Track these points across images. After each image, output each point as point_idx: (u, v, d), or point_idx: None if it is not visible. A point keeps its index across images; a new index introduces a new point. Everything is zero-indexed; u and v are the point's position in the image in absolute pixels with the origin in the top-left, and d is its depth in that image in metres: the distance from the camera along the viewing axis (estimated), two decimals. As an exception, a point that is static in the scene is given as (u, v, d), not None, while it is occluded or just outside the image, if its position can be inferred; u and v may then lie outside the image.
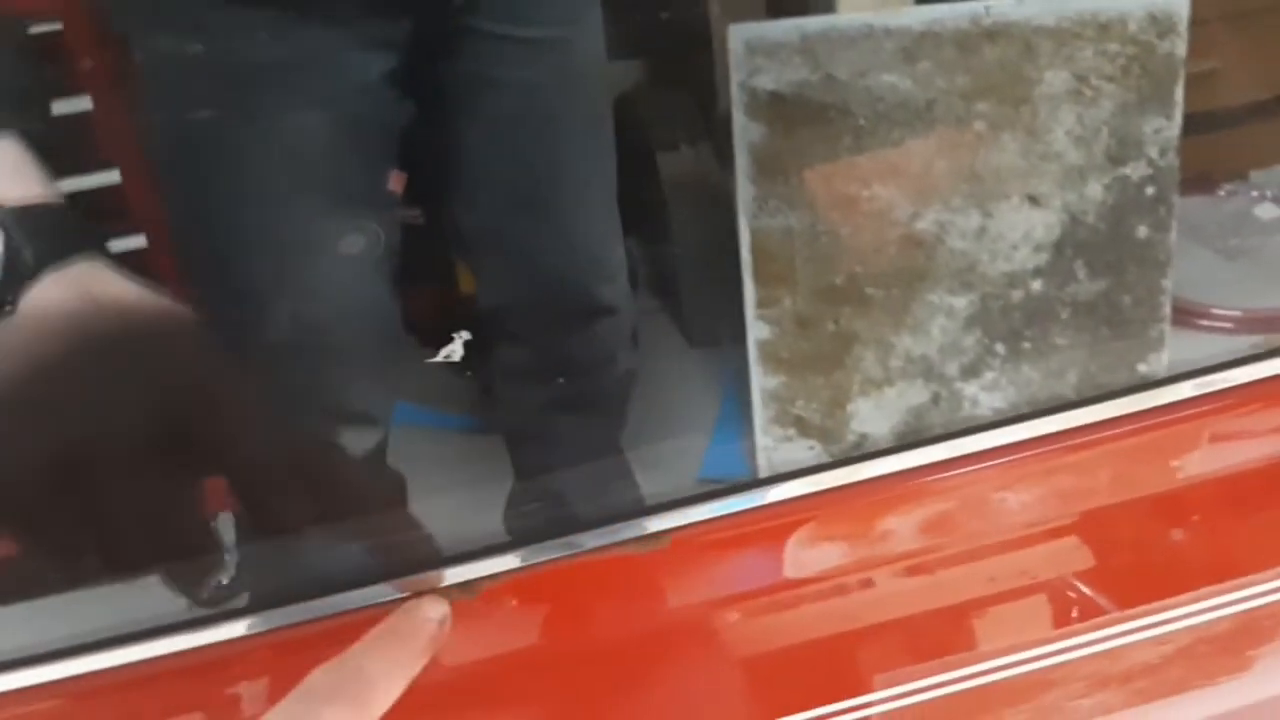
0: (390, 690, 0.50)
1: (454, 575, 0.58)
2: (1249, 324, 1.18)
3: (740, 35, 0.94)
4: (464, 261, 0.98)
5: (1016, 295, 0.98)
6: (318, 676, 0.49)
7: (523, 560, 0.61)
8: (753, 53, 0.94)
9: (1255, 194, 1.27)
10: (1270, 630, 0.66)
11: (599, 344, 0.95)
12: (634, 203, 1.29)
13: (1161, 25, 0.84)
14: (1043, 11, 0.86)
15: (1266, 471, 0.67)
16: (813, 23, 0.92)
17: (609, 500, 1.02)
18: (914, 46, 0.90)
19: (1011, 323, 1.00)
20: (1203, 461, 0.72)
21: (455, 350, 0.78)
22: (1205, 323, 1.17)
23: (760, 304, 1.03)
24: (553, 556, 0.61)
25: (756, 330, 1.04)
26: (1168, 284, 0.96)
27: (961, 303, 1.00)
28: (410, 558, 0.58)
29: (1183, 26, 0.83)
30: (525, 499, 1.05)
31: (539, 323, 0.92)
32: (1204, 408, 0.68)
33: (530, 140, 0.83)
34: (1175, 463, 0.70)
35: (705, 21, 1.31)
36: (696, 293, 1.28)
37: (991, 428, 0.69)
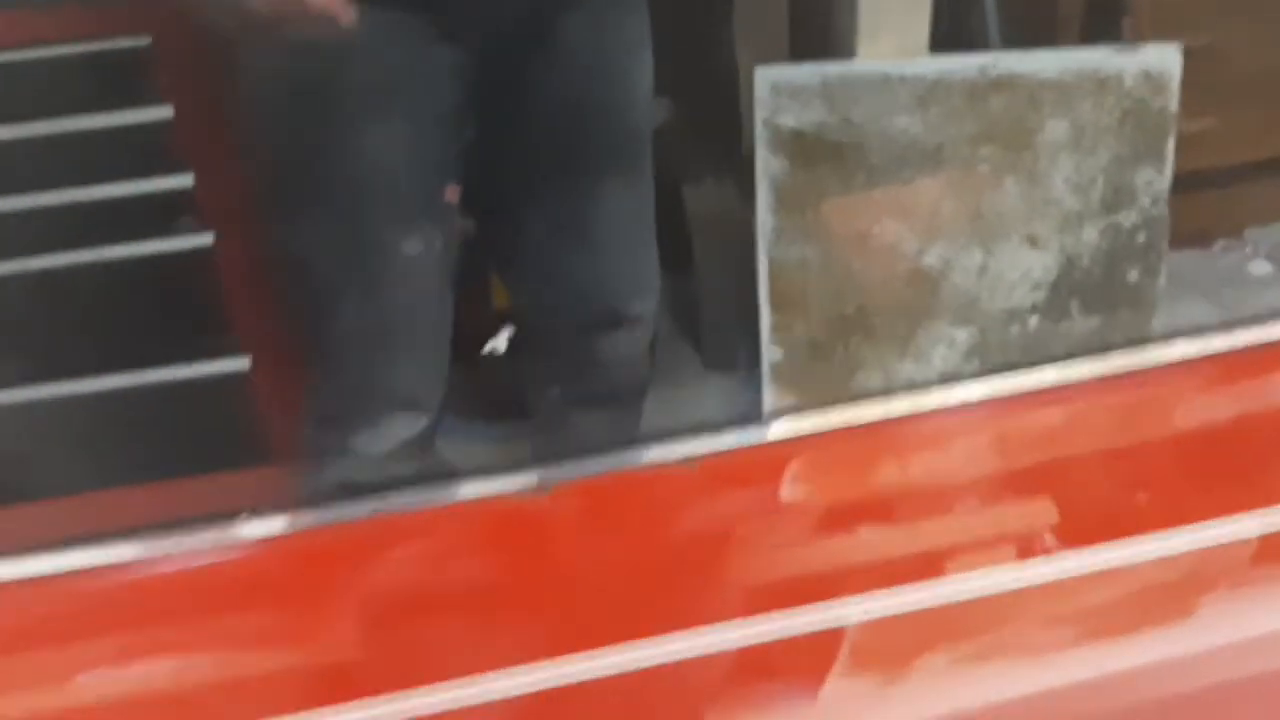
0: None
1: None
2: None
3: (766, 77, 1.02)
4: (502, 270, 1.03)
5: (1014, 330, 1.05)
6: None
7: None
8: (777, 93, 1.01)
9: (1249, 251, 1.34)
10: (1213, 579, 0.71)
11: (626, 350, 0.99)
12: (661, 233, 1.36)
13: (1155, 83, 0.91)
14: (1046, 65, 0.93)
15: (1215, 432, 0.72)
16: (833, 68, 1.00)
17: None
18: (926, 94, 0.97)
19: (1009, 356, 1.06)
20: (1161, 422, 0.77)
21: (501, 343, 0.84)
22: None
23: (775, 329, 1.10)
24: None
25: (770, 353, 1.11)
26: (1155, 325, 1.02)
27: (962, 335, 1.06)
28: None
29: (1174, 85, 0.90)
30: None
31: (572, 332, 0.96)
32: (1173, 374, 0.73)
33: (576, 154, 0.88)
34: (1135, 421, 0.75)
35: (733, 63, 1.38)
36: (714, 318, 1.34)
37: (969, 379, 0.74)
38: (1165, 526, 0.69)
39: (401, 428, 0.83)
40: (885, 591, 0.69)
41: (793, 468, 0.73)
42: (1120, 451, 0.74)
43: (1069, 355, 0.98)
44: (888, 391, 0.83)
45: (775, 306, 1.10)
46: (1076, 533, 0.70)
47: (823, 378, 1.11)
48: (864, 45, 1.01)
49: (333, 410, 0.85)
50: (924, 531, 0.72)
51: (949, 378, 1.08)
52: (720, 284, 1.35)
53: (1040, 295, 1.03)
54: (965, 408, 0.75)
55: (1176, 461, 0.72)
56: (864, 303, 1.07)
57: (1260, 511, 0.69)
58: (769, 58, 1.23)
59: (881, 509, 0.73)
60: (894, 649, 0.71)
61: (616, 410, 1.01)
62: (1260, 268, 1.32)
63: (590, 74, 0.84)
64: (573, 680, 0.70)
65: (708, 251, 1.33)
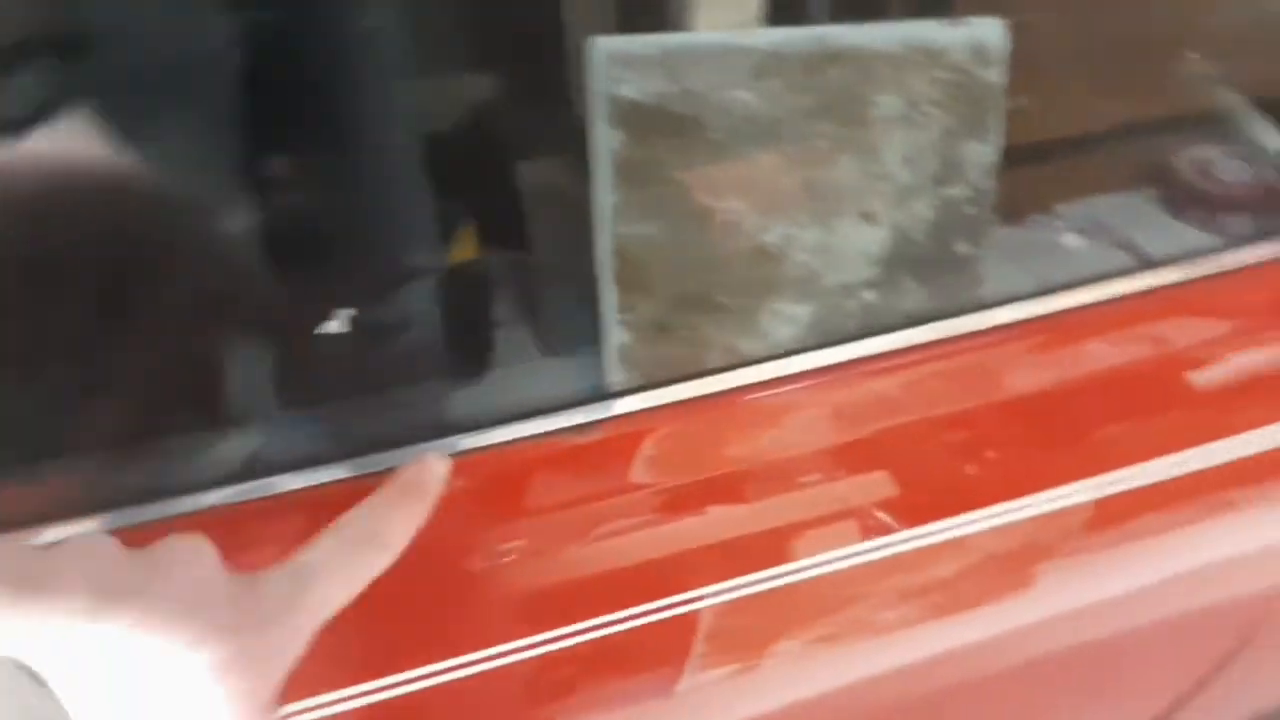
0: (408, 536, 0.61)
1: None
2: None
3: (603, 47, 0.99)
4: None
5: (851, 305, 1.06)
6: (350, 519, 0.59)
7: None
8: (615, 64, 0.99)
9: (1060, 224, 1.40)
10: (1050, 548, 0.73)
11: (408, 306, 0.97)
12: (493, 214, 1.32)
13: (982, 56, 0.93)
14: (879, 37, 0.94)
15: (1055, 394, 0.75)
16: (673, 38, 0.98)
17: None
18: (764, 65, 0.97)
19: (848, 330, 1.07)
20: (995, 388, 0.79)
21: (338, 324, 0.79)
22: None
23: (620, 309, 1.07)
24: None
25: (615, 335, 1.08)
26: (983, 296, 1.05)
27: (803, 311, 1.07)
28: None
29: (1000, 58, 0.93)
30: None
31: (349, 290, 0.93)
32: (999, 337, 0.75)
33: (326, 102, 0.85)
34: (975, 385, 0.77)
35: (559, 34, 1.35)
36: (552, 301, 1.31)
37: (800, 352, 0.75)
38: (1001, 497, 0.71)
39: None
40: (735, 577, 0.68)
41: (638, 448, 0.71)
42: (953, 421, 0.76)
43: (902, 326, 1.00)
44: (726, 367, 0.83)
45: (619, 286, 1.08)
46: (916, 507, 0.71)
47: (668, 359, 1.10)
48: (702, 14, 1.00)
49: None
50: (769, 510, 0.72)
51: (789, 351, 1.09)
52: (557, 265, 1.32)
53: (876, 270, 1.04)
54: (805, 376, 0.76)
55: (1009, 430, 0.74)
56: (708, 280, 1.06)
57: (1093, 479, 0.72)
58: (596, 28, 1.21)
59: (726, 489, 0.72)
60: (748, 636, 0.70)
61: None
62: (1071, 241, 1.38)
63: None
64: (415, 687, 0.66)
65: (542, 232, 1.29)
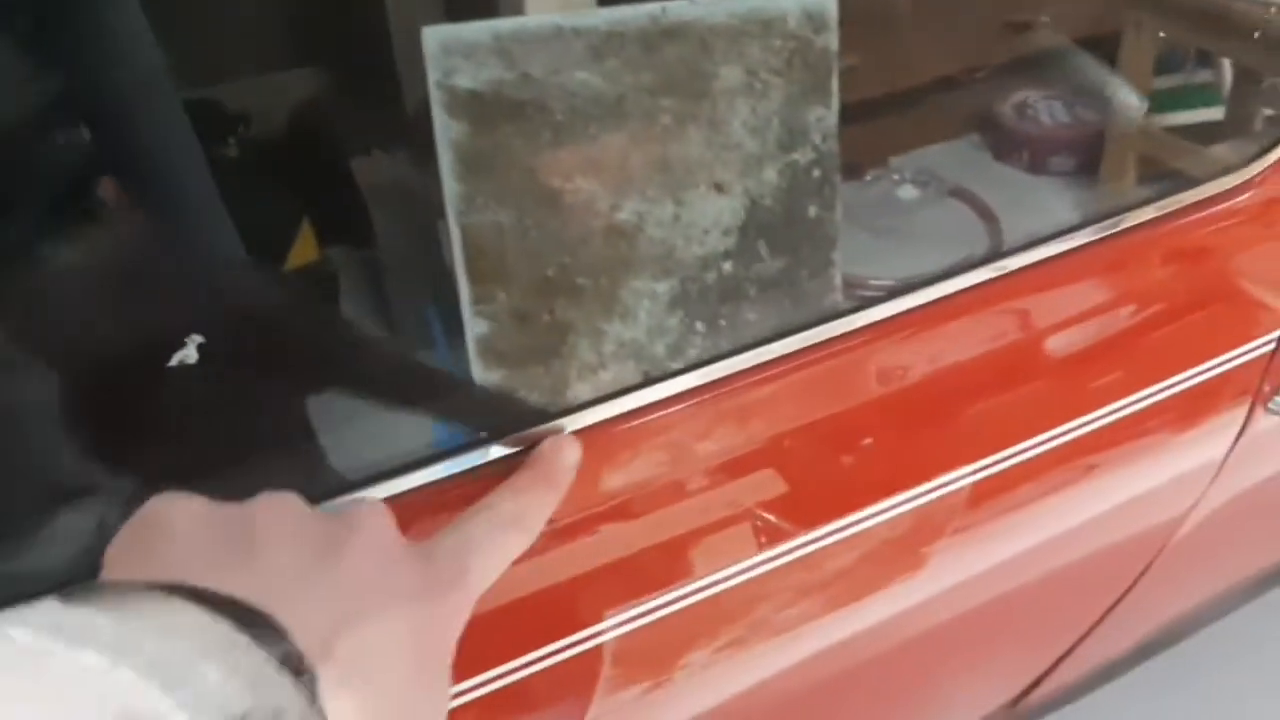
0: (544, 521, 0.66)
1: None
2: (898, 293, 1.34)
3: (434, 36, 0.96)
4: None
5: (710, 277, 1.06)
6: (496, 500, 0.61)
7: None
8: (448, 53, 0.96)
9: (896, 178, 1.45)
10: (939, 526, 0.76)
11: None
12: (331, 213, 1.27)
13: (816, 22, 0.94)
14: (714, 10, 0.94)
15: (926, 386, 0.78)
16: (505, 24, 0.96)
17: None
18: (601, 45, 0.96)
19: (709, 303, 1.08)
20: (870, 385, 0.81)
21: (190, 354, 0.75)
22: (864, 292, 1.32)
23: (476, 300, 1.05)
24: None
25: (474, 327, 1.06)
26: (837, 257, 1.07)
27: (663, 287, 1.07)
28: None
29: (833, 22, 0.94)
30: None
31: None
32: (865, 337, 0.77)
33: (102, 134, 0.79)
34: (848, 387, 0.79)
35: (383, 23, 1.31)
36: (402, 296, 1.28)
37: (681, 373, 0.76)
38: (885, 490, 0.73)
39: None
40: (635, 598, 0.68)
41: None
42: (831, 423, 0.78)
43: (762, 320, 1.01)
44: (602, 395, 0.82)
45: (473, 278, 1.05)
46: (807, 507, 0.72)
47: (532, 346, 1.08)
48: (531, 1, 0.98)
49: None
50: (661, 528, 0.72)
51: (659, 364, 1.09)
52: (403, 260, 1.28)
53: (731, 240, 1.05)
54: (680, 397, 0.76)
55: (885, 426, 0.76)
56: (564, 263, 1.05)
57: (970, 465, 0.75)
58: (422, 16, 1.17)
59: (615, 512, 0.72)
60: (656, 654, 0.70)
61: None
62: (908, 192, 1.43)
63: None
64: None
65: (386, 227, 1.26)
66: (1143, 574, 0.85)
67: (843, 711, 0.78)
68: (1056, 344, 0.79)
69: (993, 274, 0.79)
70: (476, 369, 1.12)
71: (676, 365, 1.11)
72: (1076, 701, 0.94)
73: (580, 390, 1.10)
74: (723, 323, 1.09)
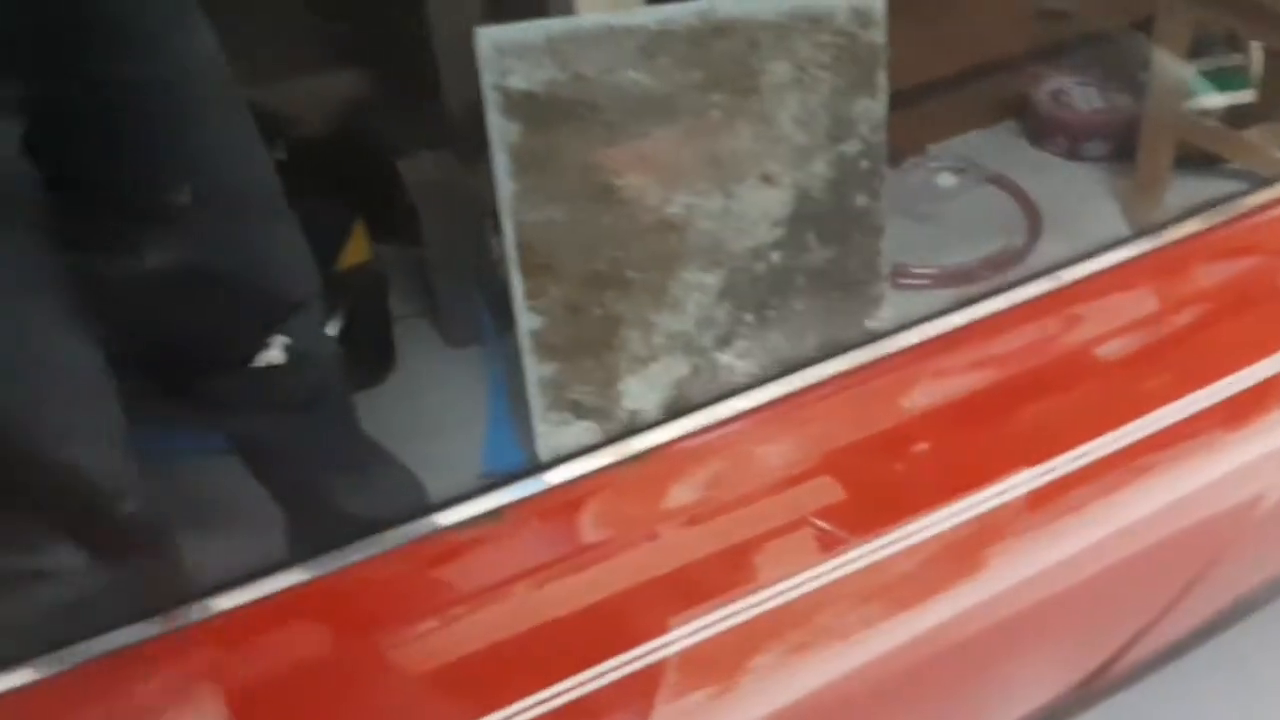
0: None
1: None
2: (943, 279, 1.35)
3: (488, 38, 0.98)
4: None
5: (759, 267, 1.08)
6: None
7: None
8: (502, 54, 0.98)
9: (934, 165, 1.46)
10: (999, 530, 0.77)
11: (300, 340, 0.93)
12: (380, 212, 1.29)
13: (863, 17, 0.96)
14: (762, 8, 0.95)
15: (976, 400, 0.79)
16: (557, 24, 0.98)
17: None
18: (651, 44, 0.97)
19: (757, 293, 1.10)
20: (924, 396, 0.83)
21: (276, 355, 0.77)
22: (907, 280, 1.33)
23: (529, 295, 1.07)
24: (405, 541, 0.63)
25: (528, 321, 1.08)
26: (884, 246, 1.09)
27: (712, 279, 1.09)
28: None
29: (880, 17, 0.96)
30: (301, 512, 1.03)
31: (235, 338, 0.89)
32: (917, 354, 0.79)
33: (177, 157, 0.80)
34: (902, 401, 0.81)
35: (426, 23, 1.33)
36: (450, 292, 1.30)
37: (744, 390, 0.77)
38: (946, 498, 0.74)
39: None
40: (703, 615, 0.70)
41: (588, 507, 0.71)
42: (890, 432, 0.79)
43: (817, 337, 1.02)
44: (668, 416, 0.83)
45: (526, 273, 1.07)
46: (868, 517, 0.73)
47: (583, 338, 1.11)
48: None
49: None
50: (727, 542, 0.73)
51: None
52: (452, 256, 1.30)
53: (780, 231, 1.07)
54: (740, 417, 0.77)
55: (944, 437, 0.77)
56: (615, 257, 1.07)
57: (1028, 471, 0.76)
58: (463, 18, 1.19)
59: (683, 528, 0.73)
60: (722, 660, 0.72)
61: (319, 412, 0.94)
62: (945, 179, 1.44)
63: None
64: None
65: (435, 223, 1.28)
66: (1214, 557, 0.87)
67: (914, 699, 0.80)
68: (1105, 356, 0.81)
69: (1050, 285, 0.80)
70: (529, 362, 1.14)
71: (725, 356, 1.13)
72: (1145, 679, 0.95)
73: (630, 383, 1.12)
74: (771, 312, 1.11)
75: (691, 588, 0.71)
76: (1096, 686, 0.94)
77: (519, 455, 1.19)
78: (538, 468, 0.73)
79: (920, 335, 0.80)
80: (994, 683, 0.85)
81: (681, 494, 0.74)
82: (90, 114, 0.74)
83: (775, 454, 0.79)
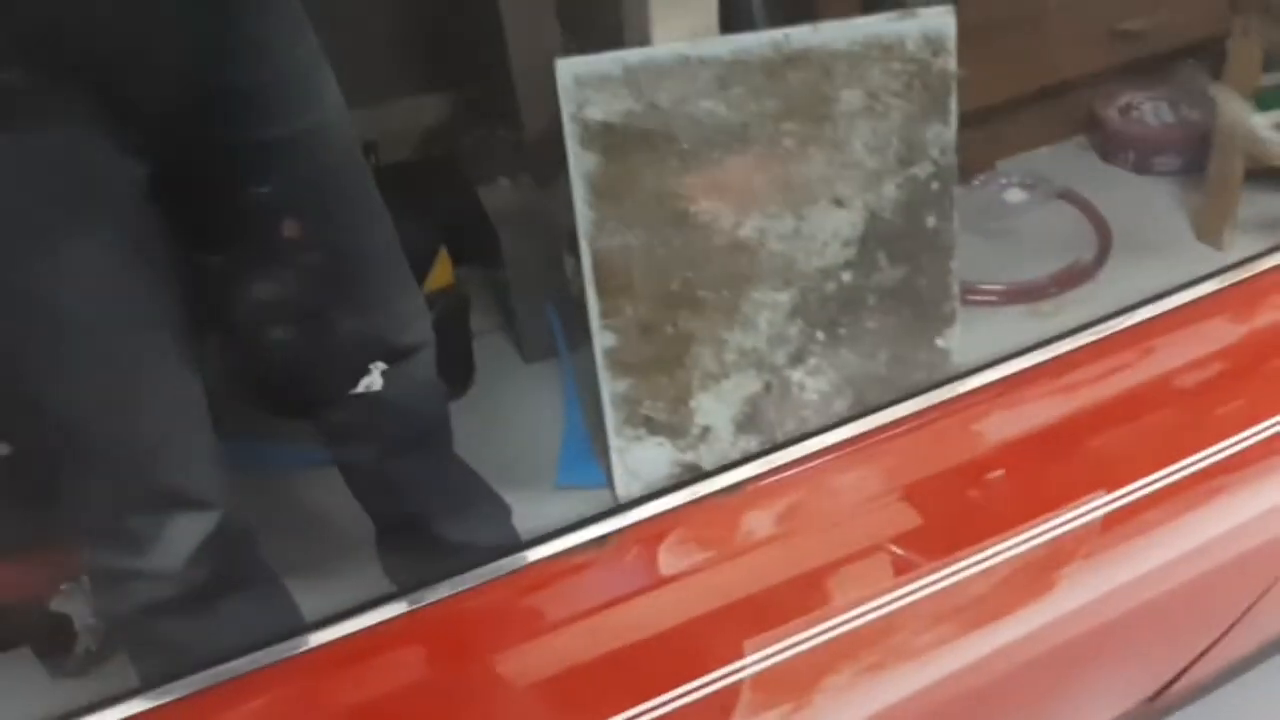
0: None
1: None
2: (1011, 295, 1.36)
3: (568, 69, 1.02)
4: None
5: (830, 287, 1.11)
6: None
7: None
8: (581, 85, 1.02)
9: (1003, 181, 1.47)
10: (1070, 552, 0.79)
11: (413, 384, 0.95)
12: (460, 235, 1.34)
13: (934, 44, 0.98)
14: (835, 37, 0.98)
15: (1048, 434, 0.81)
16: (634, 55, 1.01)
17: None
18: (726, 73, 1.01)
19: (828, 312, 1.12)
20: (998, 431, 0.84)
21: (375, 380, 0.81)
22: (976, 298, 1.34)
23: (604, 315, 1.11)
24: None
25: (603, 339, 1.12)
26: (954, 265, 1.11)
27: (784, 298, 1.11)
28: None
29: (951, 44, 0.98)
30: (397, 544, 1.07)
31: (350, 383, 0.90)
32: (991, 392, 0.81)
33: (308, 220, 0.84)
34: (977, 434, 0.82)
35: (504, 54, 1.37)
36: (528, 311, 1.34)
37: (824, 431, 0.80)
38: (1020, 523, 0.76)
39: (187, 532, 0.79)
40: (778, 640, 0.72)
41: (669, 540, 0.74)
42: (966, 465, 0.81)
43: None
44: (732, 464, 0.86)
45: (602, 294, 1.11)
46: (942, 543, 0.76)
47: (656, 356, 1.14)
48: (658, 29, 1.03)
49: (104, 529, 0.80)
50: (806, 568, 0.75)
51: (779, 372, 1.12)
52: (530, 277, 1.34)
53: (851, 251, 1.09)
54: (812, 457, 0.80)
55: (1018, 468, 0.79)
56: (688, 278, 1.10)
57: (1099, 497, 0.78)
58: (542, 50, 1.23)
59: (761, 558, 0.76)
60: (796, 680, 0.74)
61: (425, 449, 1.00)
62: (1014, 195, 1.46)
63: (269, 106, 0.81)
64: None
65: (514, 246, 1.32)
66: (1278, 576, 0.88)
67: (989, 710, 0.82)
68: (1180, 387, 0.82)
69: (1125, 324, 0.82)
70: (604, 378, 1.18)
71: (796, 373, 1.15)
72: (1211, 694, 0.96)
73: (703, 400, 1.15)
74: (842, 331, 1.13)
75: (770, 611, 0.74)
76: (1161, 704, 0.95)
77: (593, 468, 1.22)
78: (626, 505, 0.76)
79: (994, 374, 0.82)
80: (1065, 696, 0.87)
81: (765, 524, 0.76)
82: (223, 167, 0.79)
83: (856, 485, 0.81)
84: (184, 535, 0.80)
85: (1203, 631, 0.90)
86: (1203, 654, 0.91)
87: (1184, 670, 0.92)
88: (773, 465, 0.77)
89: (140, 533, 0.79)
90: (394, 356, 0.91)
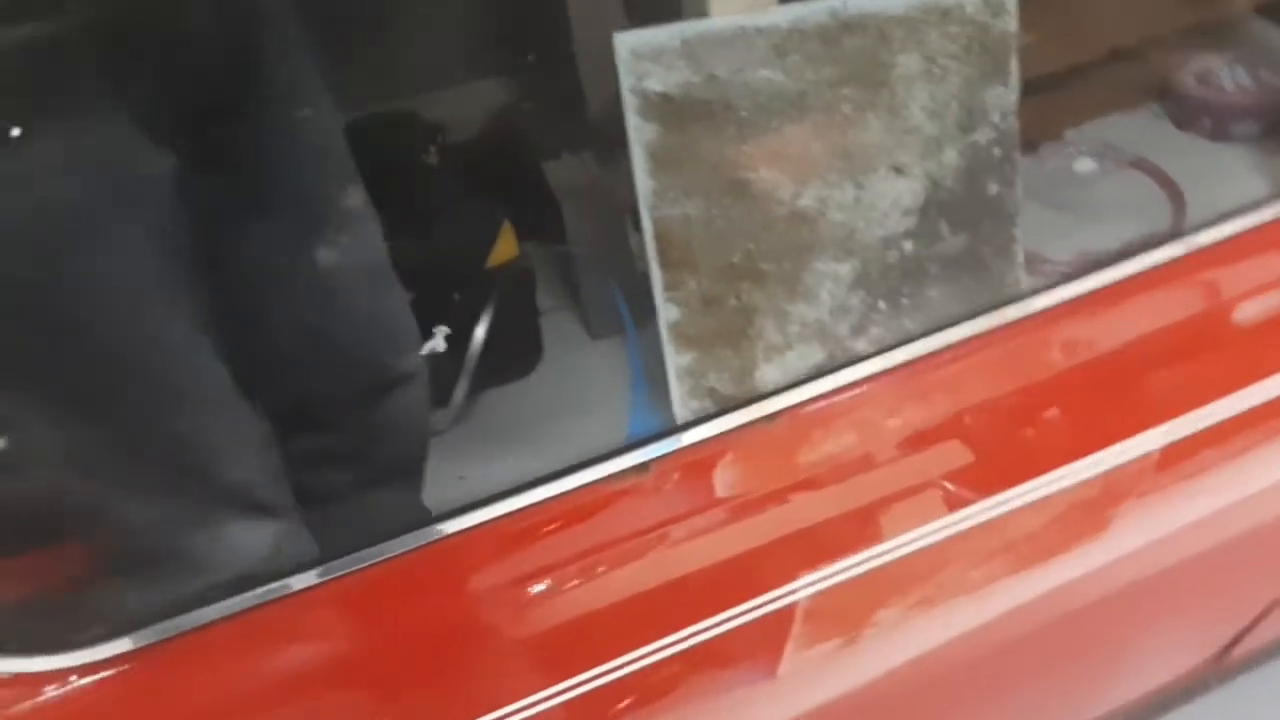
0: None
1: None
2: (1083, 267, 1.33)
3: (626, 42, 1.03)
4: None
5: (892, 256, 1.10)
6: None
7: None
8: (639, 58, 1.03)
9: (1072, 150, 1.45)
10: (1125, 490, 0.78)
11: (401, 414, 0.92)
12: (525, 212, 1.36)
13: (994, 6, 0.97)
14: (892, 3, 0.98)
15: (1107, 361, 0.80)
16: (691, 27, 1.02)
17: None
18: (783, 42, 1.01)
19: (890, 282, 1.12)
20: (1055, 359, 0.84)
21: (439, 343, 0.83)
22: (1046, 269, 1.32)
23: (668, 288, 1.12)
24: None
25: (667, 312, 1.13)
26: (1018, 233, 1.10)
27: (845, 268, 1.11)
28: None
29: (1012, 4, 0.97)
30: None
31: (336, 406, 0.88)
32: (1051, 316, 0.80)
33: (290, 230, 0.83)
34: (1034, 362, 0.82)
35: (567, 32, 1.39)
36: (593, 288, 1.36)
37: (876, 355, 0.79)
38: (1072, 457, 0.75)
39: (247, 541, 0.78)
40: (827, 562, 0.73)
41: (723, 463, 0.76)
42: (1019, 392, 0.80)
43: (946, 284, 1.04)
44: (794, 381, 0.86)
45: (664, 266, 1.12)
46: (993, 475, 0.75)
47: (720, 329, 1.15)
48: (715, 4, 1.03)
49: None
50: (854, 498, 0.76)
51: (842, 343, 1.12)
52: (594, 252, 1.36)
53: (912, 220, 1.09)
54: (870, 378, 0.80)
55: (1072, 397, 0.78)
56: (749, 249, 1.11)
57: (1156, 430, 0.76)
58: (602, 25, 1.24)
59: (811, 485, 0.77)
60: (848, 612, 0.75)
61: (400, 484, 0.96)
62: (1084, 165, 1.43)
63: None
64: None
65: (577, 223, 1.34)
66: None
67: (1043, 668, 0.81)
68: (1238, 318, 0.80)
69: (1184, 250, 0.80)
70: (668, 352, 1.19)
71: (859, 344, 1.15)
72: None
73: (767, 371, 1.16)
74: (905, 301, 1.13)
75: (821, 543, 0.75)
76: (1229, 662, 0.93)
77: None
78: (677, 429, 0.77)
79: (1052, 299, 0.81)
80: (1124, 651, 0.86)
81: (810, 455, 0.77)
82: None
83: (906, 415, 0.81)
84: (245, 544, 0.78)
85: (1266, 586, 0.89)
86: (1270, 609, 0.89)
87: (1247, 629, 0.90)
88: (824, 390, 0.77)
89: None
90: (376, 387, 0.89)
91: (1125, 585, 0.78)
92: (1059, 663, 0.84)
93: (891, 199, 1.08)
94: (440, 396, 1.24)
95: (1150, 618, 0.83)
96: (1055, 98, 1.37)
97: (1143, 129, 1.51)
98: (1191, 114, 1.50)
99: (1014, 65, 0.99)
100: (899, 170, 1.06)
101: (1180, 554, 0.80)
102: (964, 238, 1.09)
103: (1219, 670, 0.90)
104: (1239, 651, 0.88)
